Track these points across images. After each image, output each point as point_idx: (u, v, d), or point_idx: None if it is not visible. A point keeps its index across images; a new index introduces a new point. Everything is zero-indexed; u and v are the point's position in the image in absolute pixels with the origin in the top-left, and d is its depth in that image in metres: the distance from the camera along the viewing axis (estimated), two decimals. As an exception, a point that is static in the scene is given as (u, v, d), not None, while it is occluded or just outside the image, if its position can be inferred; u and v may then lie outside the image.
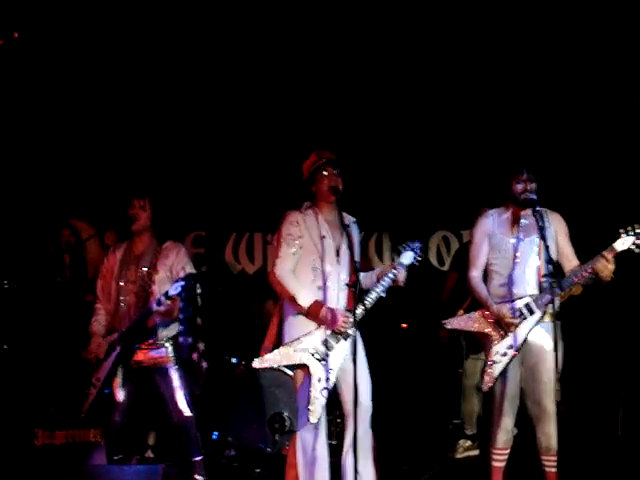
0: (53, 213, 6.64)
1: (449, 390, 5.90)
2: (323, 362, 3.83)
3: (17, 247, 6.26)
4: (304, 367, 3.85)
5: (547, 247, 3.73)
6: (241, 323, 6.35)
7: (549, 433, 3.84)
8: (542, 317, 3.88)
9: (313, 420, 3.78)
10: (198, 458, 4.32)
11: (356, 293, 3.69)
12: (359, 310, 3.74)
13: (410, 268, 4.00)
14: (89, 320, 4.45)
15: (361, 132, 6.61)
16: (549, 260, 3.71)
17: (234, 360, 5.69)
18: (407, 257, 3.98)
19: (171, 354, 4.32)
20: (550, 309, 3.81)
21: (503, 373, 3.88)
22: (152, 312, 4.18)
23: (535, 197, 3.92)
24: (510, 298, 3.93)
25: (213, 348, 5.70)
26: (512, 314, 3.87)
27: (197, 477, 4.30)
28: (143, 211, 4.36)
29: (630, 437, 5.45)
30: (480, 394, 5.46)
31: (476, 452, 5.57)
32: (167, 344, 4.32)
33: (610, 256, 3.76)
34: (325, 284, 3.91)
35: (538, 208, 3.85)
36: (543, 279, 3.90)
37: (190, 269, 4.30)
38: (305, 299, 3.83)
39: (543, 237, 3.76)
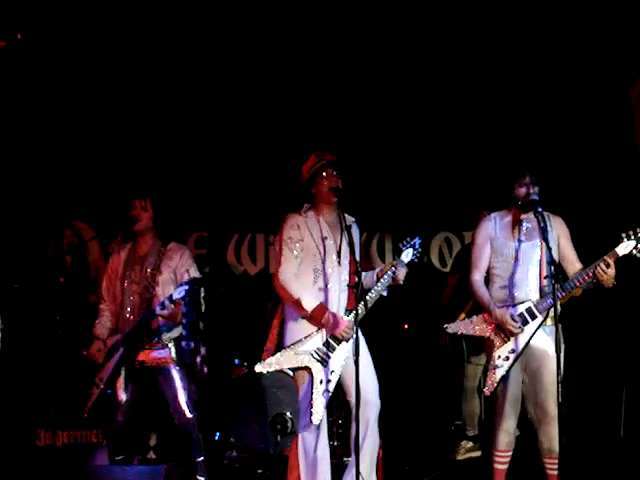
0: (55, 214, 6.64)
1: (451, 391, 5.90)
2: (324, 364, 3.84)
3: (19, 248, 6.27)
4: (306, 369, 3.86)
5: (549, 249, 3.72)
6: (243, 324, 6.36)
7: (551, 435, 3.84)
8: (544, 320, 3.88)
9: (315, 422, 3.79)
10: (200, 459, 4.33)
11: (358, 294, 3.70)
12: (360, 310, 3.75)
13: (411, 267, 4.00)
14: (92, 321, 4.45)
15: (364, 133, 6.62)
16: (551, 262, 3.71)
17: (236, 361, 5.69)
18: (406, 255, 3.99)
19: (174, 355, 4.32)
20: (552, 312, 3.80)
21: (505, 376, 3.88)
22: (155, 315, 4.19)
23: (537, 200, 3.92)
24: (511, 301, 3.93)
25: (215, 349, 5.71)
26: (514, 319, 3.86)
27: (199, 478, 4.31)
28: (145, 211, 4.36)
29: (632, 439, 5.44)
30: (482, 395, 5.45)
31: (478, 453, 5.57)
32: (170, 345, 4.32)
33: (611, 260, 3.75)
34: (326, 285, 3.92)
35: (540, 211, 3.85)
36: (545, 282, 3.90)
37: (194, 272, 4.29)
38: (309, 303, 3.84)
39: (545, 240, 3.75)
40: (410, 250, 3.99)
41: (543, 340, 3.89)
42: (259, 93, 6.37)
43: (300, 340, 3.87)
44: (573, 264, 4.00)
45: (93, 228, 6.72)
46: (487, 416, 5.41)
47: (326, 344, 3.86)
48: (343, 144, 5.69)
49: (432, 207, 6.83)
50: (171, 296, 4.08)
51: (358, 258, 4.05)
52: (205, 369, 5.46)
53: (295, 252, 3.93)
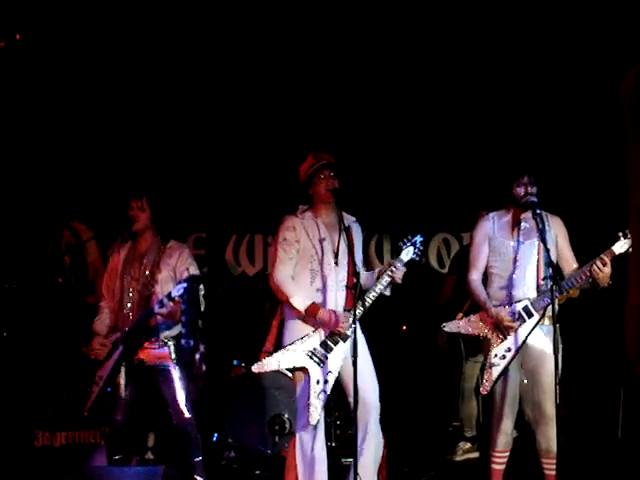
0: (54, 214, 6.64)
1: (448, 392, 5.90)
2: (321, 364, 3.84)
3: (18, 248, 6.27)
4: (303, 369, 3.86)
5: (547, 250, 3.73)
6: (242, 324, 6.36)
7: (549, 436, 3.84)
8: (541, 320, 3.88)
9: (312, 422, 3.79)
10: (198, 459, 4.31)
11: (356, 294, 3.70)
12: (358, 310, 3.76)
13: (409, 268, 3.99)
14: (90, 321, 4.45)
15: (362, 134, 6.62)
16: (549, 263, 3.72)
17: (235, 362, 5.69)
18: (406, 253, 3.93)
19: (173, 353, 4.30)
20: (549, 312, 3.81)
21: (502, 376, 3.88)
22: (154, 313, 4.18)
23: (536, 200, 3.92)
24: (509, 301, 3.93)
25: (214, 350, 5.71)
26: (511, 317, 3.87)
27: (197, 478, 4.29)
28: (142, 211, 4.35)
29: (630, 440, 5.45)
30: (479, 396, 5.45)
31: (476, 454, 5.57)
32: (169, 343, 4.31)
33: (608, 259, 3.76)
34: (324, 286, 3.92)
35: (538, 211, 3.85)
36: (542, 281, 3.90)
37: (194, 270, 4.28)
38: (301, 303, 3.85)
39: (543, 240, 3.76)
40: (411, 248, 3.94)
41: (541, 340, 3.89)
42: (257, 94, 6.37)
43: (297, 340, 3.88)
44: (570, 264, 4.01)
45: (91, 229, 6.71)
46: (485, 417, 5.42)
47: (323, 344, 3.86)
48: (341, 145, 5.69)
49: (430, 208, 6.83)
50: (170, 294, 4.08)
51: (360, 257, 4.07)
52: (204, 367, 5.46)
53: (290, 254, 3.95)
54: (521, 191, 3.97)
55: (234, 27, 5.73)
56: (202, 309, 4.43)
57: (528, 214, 3.97)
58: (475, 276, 4.07)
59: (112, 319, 4.38)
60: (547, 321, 3.87)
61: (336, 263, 3.94)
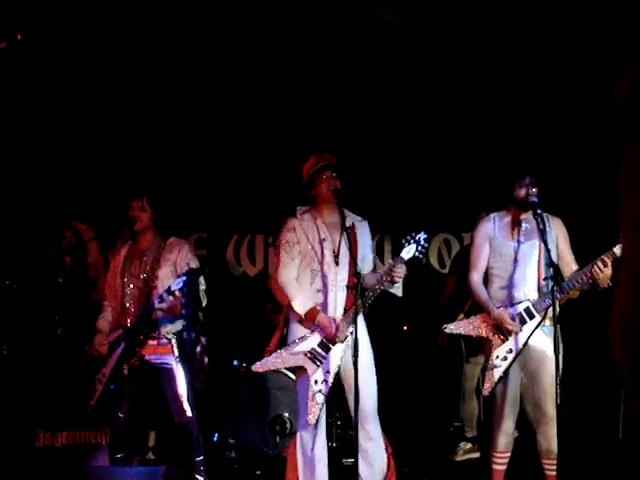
0: (55, 214, 6.64)
1: (449, 392, 5.90)
2: (320, 364, 3.85)
3: (18, 248, 6.27)
4: (302, 369, 3.87)
5: (548, 250, 3.73)
6: (243, 325, 6.36)
7: (549, 436, 3.84)
8: (542, 321, 3.88)
9: (311, 421, 3.79)
10: (199, 459, 4.32)
11: (357, 295, 3.70)
12: (359, 310, 3.76)
13: (410, 268, 3.97)
14: (91, 321, 4.46)
15: (363, 135, 6.62)
16: (550, 263, 3.72)
17: (235, 362, 5.69)
18: (407, 251, 3.83)
19: (176, 349, 4.29)
20: (550, 313, 3.81)
21: (504, 377, 3.88)
22: (154, 308, 4.18)
23: (536, 200, 3.92)
24: (510, 302, 3.93)
25: (215, 350, 5.71)
26: (512, 319, 3.87)
27: (198, 478, 4.29)
28: (143, 211, 4.35)
29: (631, 440, 5.44)
30: (480, 397, 5.46)
31: (476, 454, 5.58)
32: (172, 339, 4.30)
33: (609, 260, 3.75)
34: (324, 286, 3.92)
35: (539, 212, 3.85)
36: (543, 282, 3.90)
37: (194, 265, 4.27)
38: (301, 307, 3.86)
39: (544, 240, 3.76)
40: (413, 246, 3.83)
41: (542, 341, 3.89)
42: (259, 94, 6.37)
43: (296, 340, 3.89)
44: (570, 265, 4.00)
45: (93, 229, 6.71)
46: (486, 417, 5.42)
47: (321, 344, 3.86)
48: (342, 146, 5.70)
49: (431, 208, 6.83)
50: (169, 288, 4.07)
51: (369, 258, 4.05)
52: (206, 359, 5.45)
53: (292, 255, 3.96)
54: (522, 192, 3.97)
55: (236, 28, 5.73)
56: (204, 304, 4.41)
57: (529, 215, 3.98)
58: (476, 277, 4.07)
59: (115, 317, 4.39)
60: (548, 322, 3.87)
61: (337, 263, 3.94)
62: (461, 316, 5.01)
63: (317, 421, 3.82)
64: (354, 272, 3.83)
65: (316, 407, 3.79)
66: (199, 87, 6.33)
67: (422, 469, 5.19)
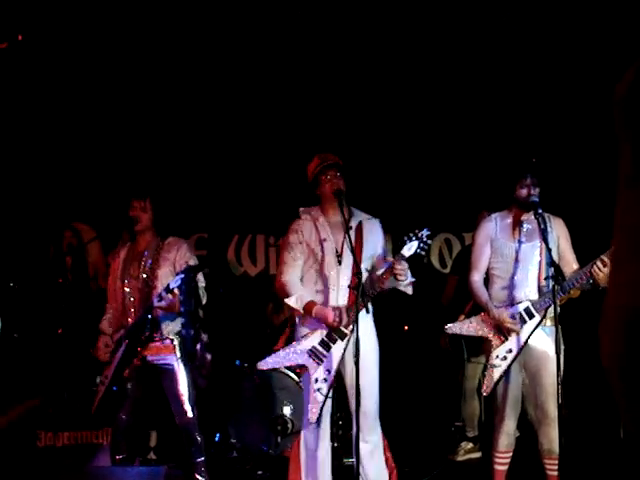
0: (55, 215, 6.65)
1: (450, 392, 5.90)
2: (320, 362, 3.85)
3: (19, 248, 6.28)
4: (304, 368, 3.89)
5: (549, 251, 3.73)
6: (244, 325, 6.36)
7: (551, 437, 3.84)
8: (543, 321, 3.88)
9: (311, 420, 3.79)
10: (200, 459, 4.32)
11: (358, 294, 3.70)
12: (360, 309, 3.76)
13: (413, 267, 3.96)
14: (91, 321, 4.47)
15: (364, 135, 6.62)
16: (551, 263, 3.71)
17: (237, 362, 5.70)
18: (408, 248, 3.79)
19: (177, 349, 4.28)
20: (551, 313, 3.81)
21: (504, 377, 3.88)
22: (154, 307, 4.18)
23: (538, 200, 3.92)
24: (511, 302, 3.93)
25: (216, 350, 5.71)
26: (512, 318, 3.87)
27: (199, 478, 4.30)
28: (144, 212, 4.35)
29: (632, 440, 5.44)
30: (481, 397, 5.45)
31: (477, 454, 5.57)
32: (175, 339, 4.30)
33: (608, 260, 3.75)
34: (325, 286, 3.93)
35: (540, 212, 3.85)
36: (544, 282, 3.90)
37: (193, 263, 4.27)
38: (298, 302, 3.87)
39: (545, 241, 3.76)
40: (414, 243, 3.80)
41: (543, 341, 3.89)
42: (260, 94, 6.37)
43: (299, 339, 3.90)
44: (571, 266, 4.00)
45: (94, 229, 6.72)
46: (487, 417, 5.42)
47: (322, 343, 3.87)
48: (343, 145, 5.69)
49: (432, 208, 6.83)
50: (168, 286, 4.06)
51: (380, 253, 4.04)
52: (208, 356, 5.45)
53: (294, 256, 3.98)
54: (524, 192, 3.96)
55: (238, 27, 5.73)
56: (203, 302, 4.40)
57: (530, 215, 3.98)
58: (477, 277, 4.07)
59: (117, 318, 4.39)
60: (549, 322, 3.87)
61: (339, 263, 3.94)
62: (462, 317, 5.01)
63: (320, 421, 3.82)
64: (356, 272, 3.83)
65: (317, 405, 3.79)
66: (200, 87, 6.33)
67: (423, 469, 5.19)
